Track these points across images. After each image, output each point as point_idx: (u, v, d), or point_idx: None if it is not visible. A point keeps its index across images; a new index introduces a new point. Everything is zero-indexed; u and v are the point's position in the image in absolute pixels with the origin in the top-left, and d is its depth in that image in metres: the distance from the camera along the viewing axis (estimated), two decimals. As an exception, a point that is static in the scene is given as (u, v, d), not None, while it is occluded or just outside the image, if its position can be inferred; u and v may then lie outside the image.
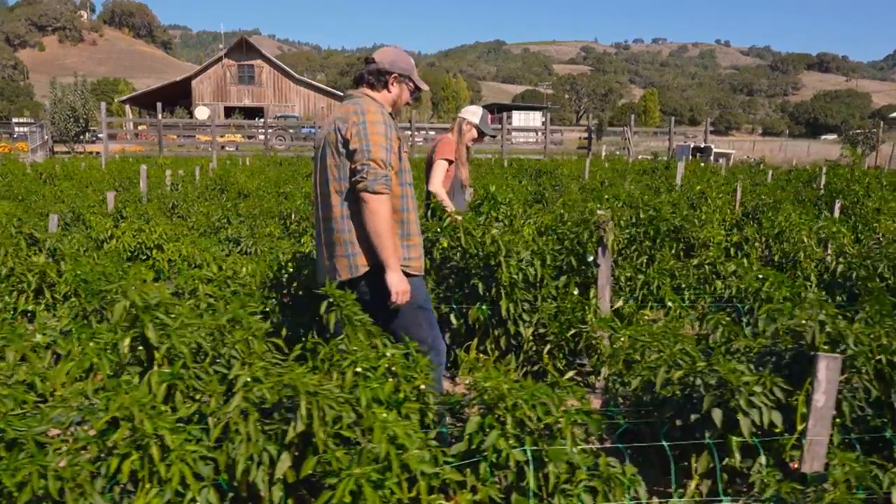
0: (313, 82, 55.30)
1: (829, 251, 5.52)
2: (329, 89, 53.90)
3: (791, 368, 2.44)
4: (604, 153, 31.47)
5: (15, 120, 48.20)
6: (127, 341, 2.21)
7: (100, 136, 40.85)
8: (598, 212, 3.70)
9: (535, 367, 3.89)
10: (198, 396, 2.28)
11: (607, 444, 3.31)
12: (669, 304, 4.12)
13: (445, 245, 3.87)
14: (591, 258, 3.73)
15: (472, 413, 2.29)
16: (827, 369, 2.26)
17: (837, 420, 2.45)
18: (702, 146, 31.95)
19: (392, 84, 3.01)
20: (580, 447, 2.37)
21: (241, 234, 6.55)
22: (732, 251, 5.51)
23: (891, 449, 2.54)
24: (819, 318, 2.35)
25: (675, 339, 2.53)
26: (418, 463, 2.01)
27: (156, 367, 2.18)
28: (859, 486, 2.22)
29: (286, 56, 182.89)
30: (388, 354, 2.36)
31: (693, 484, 2.47)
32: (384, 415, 2.24)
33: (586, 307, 3.72)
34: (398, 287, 2.80)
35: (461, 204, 4.62)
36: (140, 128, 41.43)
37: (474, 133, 4.63)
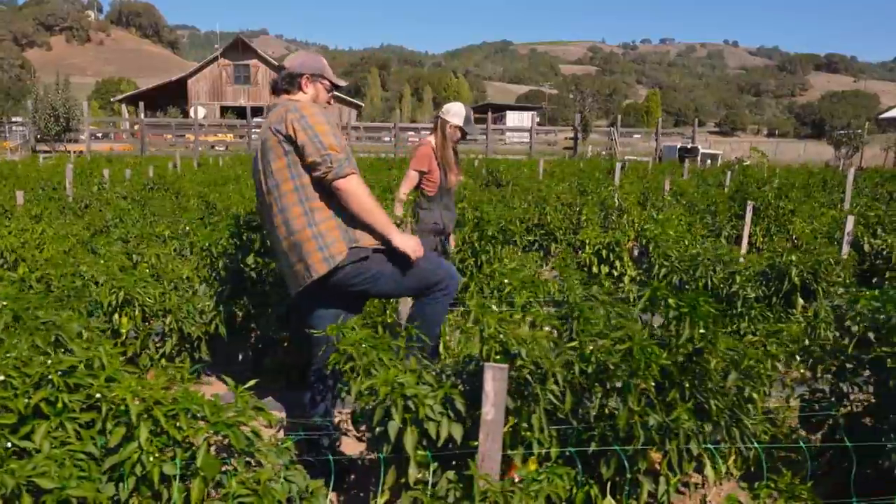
0: (309, 82, 55.17)
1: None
2: (325, 89, 53.84)
3: (479, 379, 2.31)
4: (589, 153, 31.29)
5: (15, 119, 48.48)
6: None
7: (97, 135, 41.09)
8: (396, 213, 3.58)
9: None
10: None
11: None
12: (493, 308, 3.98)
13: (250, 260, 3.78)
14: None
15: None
16: (494, 380, 2.14)
17: (528, 433, 2.33)
18: (689, 147, 31.76)
19: (305, 85, 3.05)
20: (274, 458, 2.28)
21: (129, 233, 6.46)
22: (604, 253, 5.39)
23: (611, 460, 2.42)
24: (478, 328, 2.23)
25: (372, 346, 2.40)
26: (14, 478, 1.90)
27: None
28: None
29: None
30: (48, 362, 2.25)
31: (381, 499, 2.35)
32: (42, 425, 2.16)
33: (387, 310, 3.61)
34: (408, 246, 2.88)
35: (440, 209, 4.44)
36: (135, 127, 41.58)
37: (458, 134, 4.43)
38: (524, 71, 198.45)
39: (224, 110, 49.54)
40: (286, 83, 3.04)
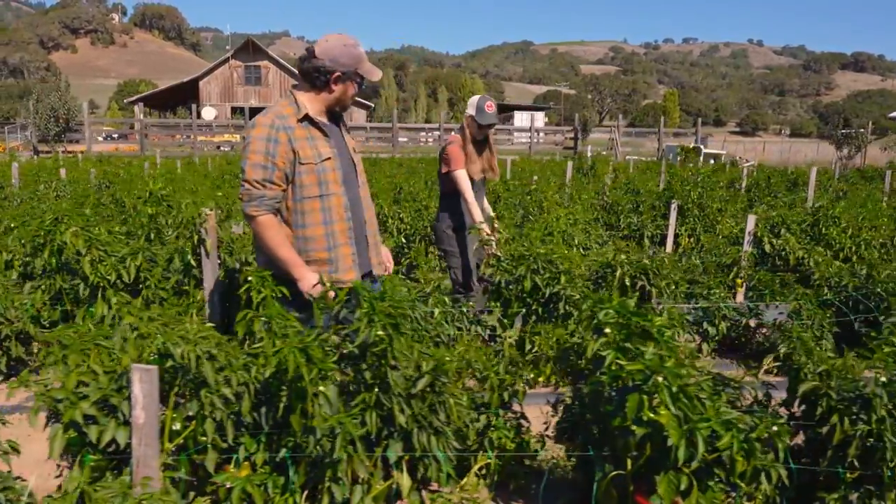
0: (319, 83, 55.43)
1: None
2: (335, 89, 54.09)
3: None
4: (589, 153, 31.01)
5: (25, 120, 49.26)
6: None
7: (114, 136, 41.60)
8: (204, 210, 3.49)
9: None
10: None
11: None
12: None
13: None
14: (188, 258, 3.53)
15: None
16: (141, 382, 2.04)
17: (203, 438, 2.23)
18: (691, 146, 31.36)
19: (334, 84, 2.70)
20: None
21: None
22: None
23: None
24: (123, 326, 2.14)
25: (64, 346, 2.32)
26: None
27: None
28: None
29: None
30: None
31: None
32: None
33: (191, 309, 3.53)
34: (306, 287, 2.59)
35: (480, 201, 4.44)
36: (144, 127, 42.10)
37: (475, 124, 4.27)
38: (544, 71, 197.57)
39: (234, 111, 49.99)
40: (312, 77, 2.67)
